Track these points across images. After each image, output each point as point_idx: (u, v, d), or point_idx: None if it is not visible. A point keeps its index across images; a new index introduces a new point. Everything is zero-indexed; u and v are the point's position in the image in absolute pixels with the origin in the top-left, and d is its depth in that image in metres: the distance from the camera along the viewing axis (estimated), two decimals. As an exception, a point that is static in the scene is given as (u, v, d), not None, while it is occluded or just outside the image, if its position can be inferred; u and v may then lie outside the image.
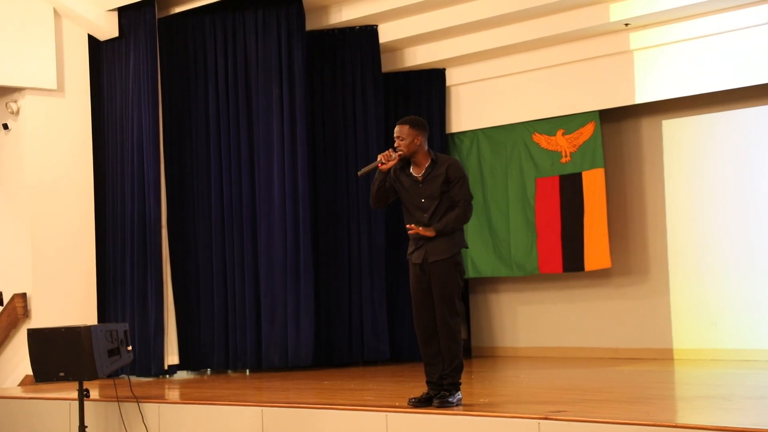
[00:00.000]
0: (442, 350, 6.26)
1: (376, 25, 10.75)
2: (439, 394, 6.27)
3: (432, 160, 6.34)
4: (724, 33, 9.51)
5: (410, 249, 6.41)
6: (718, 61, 9.58)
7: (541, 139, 10.85)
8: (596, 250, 10.31)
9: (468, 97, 11.31)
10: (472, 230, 11.30)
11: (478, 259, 11.26)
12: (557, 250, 10.67)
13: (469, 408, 6.35)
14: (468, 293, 11.94)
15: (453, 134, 11.45)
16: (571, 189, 10.55)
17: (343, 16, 10.56)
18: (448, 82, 11.35)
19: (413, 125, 6.33)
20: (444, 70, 11.31)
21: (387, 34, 10.77)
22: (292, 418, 6.85)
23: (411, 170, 6.36)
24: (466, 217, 6.33)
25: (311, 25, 10.56)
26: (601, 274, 10.44)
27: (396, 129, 6.36)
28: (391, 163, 6.31)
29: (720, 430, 5.06)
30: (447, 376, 6.29)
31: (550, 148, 10.75)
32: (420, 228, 6.27)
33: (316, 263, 10.27)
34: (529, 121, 10.90)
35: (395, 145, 6.32)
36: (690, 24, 9.65)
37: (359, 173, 6.65)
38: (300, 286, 10.04)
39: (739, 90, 9.64)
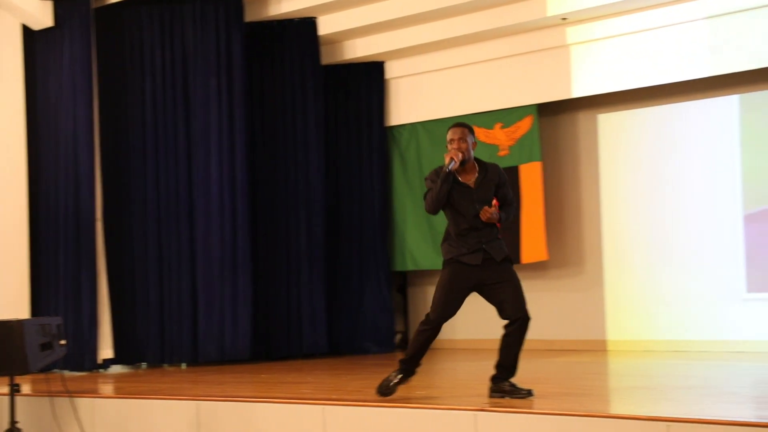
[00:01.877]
0: (515, 343, 6.19)
1: (315, 18, 10.71)
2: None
3: (481, 166, 6.26)
4: (659, 28, 9.65)
5: (459, 252, 6.23)
6: (653, 56, 9.71)
7: (479, 133, 10.88)
8: (533, 243, 10.40)
9: (407, 90, 11.33)
10: (410, 224, 11.34)
11: (417, 252, 11.29)
12: (494, 243, 10.71)
13: (407, 400, 6.36)
14: (407, 286, 11.98)
15: (392, 127, 11.46)
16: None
17: (283, 8, 10.52)
18: (387, 75, 11.36)
19: (471, 131, 6.24)
20: (383, 63, 11.32)
21: (326, 26, 10.74)
22: (229, 412, 6.81)
23: (460, 179, 6.21)
24: (513, 213, 6.38)
25: (250, 16, 10.49)
26: (538, 267, 10.52)
27: (457, 131, 6.19)
28: (456, 166, 6.15)
29: (651, 419, 5.13)
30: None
31: (488, 141, 10.80)
32: (490, 211, 6.12)
33: (254, 256, 10.22)
34: (468, 115, 10.93)
35: (454, 147, 6.15)
36: (625, 19, 9.78)
37: (447, 170, 6.18)
38: (237, 279, 9.98)
39: (673, 85, 9.78)
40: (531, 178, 10.43)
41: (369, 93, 11.39)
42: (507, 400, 6.03)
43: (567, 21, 10.01)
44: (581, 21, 9.99)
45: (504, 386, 6.17)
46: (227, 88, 10.12)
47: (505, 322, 6.23)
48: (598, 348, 10.20)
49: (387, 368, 9.25)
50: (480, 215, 6.12)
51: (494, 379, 6.24)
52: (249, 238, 10.08)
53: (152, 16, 10.32)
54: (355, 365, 9.61)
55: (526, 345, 6.20)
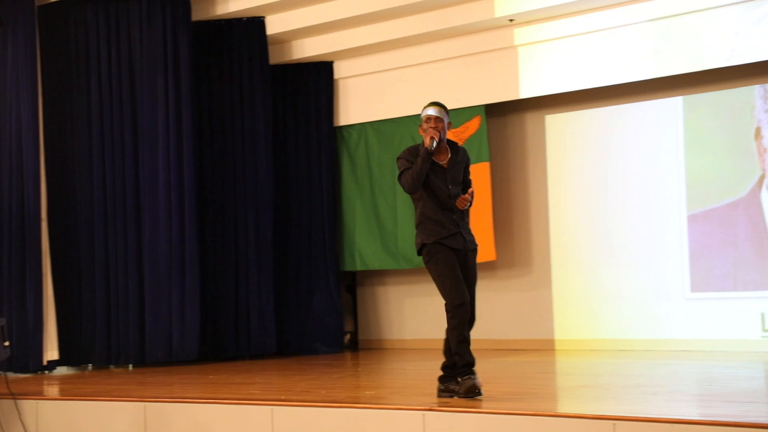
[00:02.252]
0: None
1: (263, 17, 10.67)
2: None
3: (453, 147, 6.21)
4: (604, 30, 9.75)
5: (441, 234, 6.08)
6: (598, 58, 9.82)
7: (428, 133, 10.91)
8: (481, 243, 10.26)
9: (356, 91, 11.33)
10: (359, 223, 11.35)
11: (365, 252, 11.30)
12: (443, 243, 10.75)
13: (355, 400, 6.36)
14: (355, 286, 11.98)
15: (341, 127, 11.46)
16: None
17: (230, 7, 10.46)
18: (336, 75, 11.35)
19: (446, 111, 6.17)
20: (332, 63, 11.31)
21: (274, 26, 10.70)
22: (176, 413, 6.75)
23: (434, 159, 6.12)
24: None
25: (197, 15, 10.43)
26: (486, 267, 10.57)
27: (434, 110, 6.09)
28: (436, 144, 6.04)
29: (598, 418, 5.18)
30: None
31: (436, 141, 10.81)
32: (467, 198, 6.08)
33: (202, 256, 10.15)
34: (417, 115, 10.92)
35: (431, 126, 6.05)
36: (571, 21, 9.87)
37: (429, 148, 6.03)
38: (185, 280, 9.92)
39: (619, 86, 9.90)
40: (479, 178, 10.46)
41: (318, 93, 11.37)
42: (456, 400, 6.04)
43: (514, 22, 10.08)
44: (529, 22, 10.06)
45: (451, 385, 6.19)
46: (174, 88, 10.04)
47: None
48: (546, 347, 10.28)
49: (336, 368, 9.31)
50: (458, 204, 6.09)
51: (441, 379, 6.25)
52: (197, 239, 10.02)
53: (98, 14, 10.21)
54: (304, 365, 9.59)
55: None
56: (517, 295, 10.56)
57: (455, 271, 6.06)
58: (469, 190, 6.14)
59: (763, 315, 9.16)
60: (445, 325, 6.15)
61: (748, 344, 9.17)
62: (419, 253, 6.23)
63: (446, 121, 6.15)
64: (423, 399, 6.19)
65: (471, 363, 6.04)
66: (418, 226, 6.21)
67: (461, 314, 6.03)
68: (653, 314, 9.73)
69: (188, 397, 7.00)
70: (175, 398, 6.98)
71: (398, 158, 6.23)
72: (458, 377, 6.07)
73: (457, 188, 6.16)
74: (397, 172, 6.24)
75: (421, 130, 6.15)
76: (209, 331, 10.25)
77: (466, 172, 6.29)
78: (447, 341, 6.21)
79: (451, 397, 6.12)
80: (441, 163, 6.14)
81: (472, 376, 6.00)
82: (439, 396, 6.20)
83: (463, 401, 5.98)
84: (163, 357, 9.88)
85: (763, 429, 4.66)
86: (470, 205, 6.19)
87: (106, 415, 7.03)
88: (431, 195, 6.13)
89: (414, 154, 6.13)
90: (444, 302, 6.11)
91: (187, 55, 10.09)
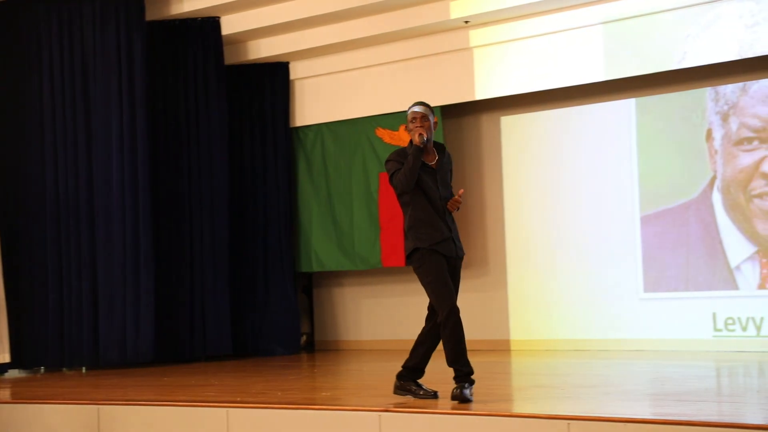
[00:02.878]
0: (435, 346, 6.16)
1: (218, 17, 10.62)
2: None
3: (439, 149, 6.16)
4: (558, 33, 9.83)
5: (435, 238, 6.02)
6: (552, 59, 9.89)
7: (384, 134, 10.95)
8: (437, 244, 10.46)
9: (312, 91, 11.32)
10: (316, 224, 11.33)
11: (322, 253, 11.28)
12: (400, 243, 10.77)
13: (312, 401, 6.35)
14: (312, 287, 11.96)
15: (297, 128, 11.44)
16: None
17: (185, 7, 10.40)
18: (292, 76, 11.33)
19: (432, 111, 6.13)
20: (288, 63, 11.29)
21: (229, 26, 10.66)
22: (130, 416, 6.70)
23: (422, 159, 6.06)
24: None
25: (152, 15, 10.35)
26: (442, 268, 10.60)
27: (420, 108, 6.06)
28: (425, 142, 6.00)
29: (553, 418, 5.22)
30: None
31: (393, 142, 10.85)
32: (459, 201, 6.07)
33: (157, 257, 10.07)
34: (373, 116, 10.98)
35: (417, 125, 6.01)
36: (526, 23, 9.93)
37: (422, 144, 6.00)
38: (140, 281, 9.84)
39: (573, 88, 9.98)
40: (435, 179, 10.50)
41: (273, 93, 11.34)
42: (412, 400, 6.06)
43: (470, 24, 10.13)
44: (484, 24, 10.11)
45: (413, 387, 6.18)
46: (128, 88, 9.96)
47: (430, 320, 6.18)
48: (501, 348, 10.33)
49: (292, 370, 9.29)
50: (449, 206, 6.06)
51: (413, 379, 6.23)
52: (151, 240, 9.94)
53: (50, 14, 10.10)
54: (260, 367, 9.56)
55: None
56: (473, 295, 10.59)
57: (447, 279, 6.00)
58: (460, 192, 6.11)
59: (714, 315, 9.28)
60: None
61: (699, 344, 9.28)
62: (409, 257, 6.12)
63: (432, 120, 6.10)
64: (379, 400, 6.20)
65: (470, 372, 5.98)
66: (409, 230, 6.10)
67: (454, 322, 5.97)
68: (607, 314, 9.82)
69: (142, 400, 6.95)
70: (129, 401, 6.93)
71: (387, 161, 6.13)
72: (456, 381, 5.97)
73: (447, 190, 6.12)
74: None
75: (405, 129, 6.14)
76: (164, 333, 10.17)
77: (450, 175, 6.27)
78: (418, 341, 6.17)
79: (406, 395, 6.12)
80: (430, 164, 6.08)
81: (467, 385, 5.93)
82: (395, 392, 6.20)
83: (419, 402, 6.00)
84: (117, 359, 9.80)
85: (714, 427, 4.72)
86: (458, 210, 6.17)
87: (58, 419, 6.96)
88: (424, 197, 6.04)
89: (403, 156, 6.06)
90: (426, 304, 6.12)
91: (141, 55, 10.01)
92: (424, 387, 6.19)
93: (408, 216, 6.12)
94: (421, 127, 6.02)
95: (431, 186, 6.04)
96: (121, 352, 9.79)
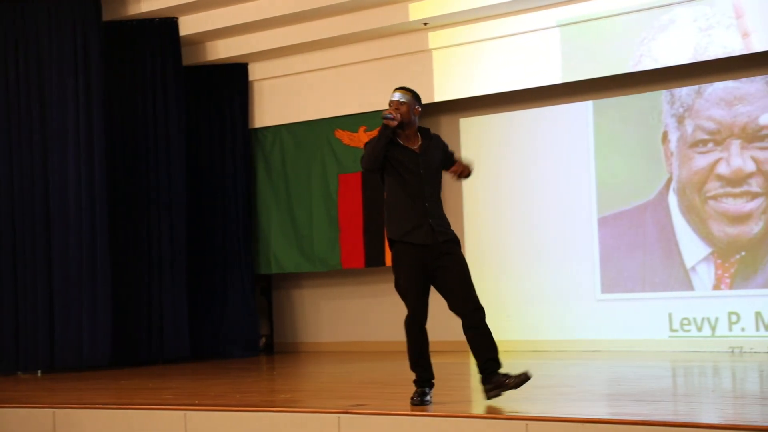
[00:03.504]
0: (481, 339, 5.83)
1: (176, 18, 10.57)
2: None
3: (425, 135, 6.04)
4: (516, 35, 9.88)
5: (404, 228, 5.86)
6: (511, 62, 9.94)
7: (343, 136, 10.95)
8: (395, 245, 10.48)
9: (271, 93, 11.29)
10: (275, 226, 11.31)
11: (281, 254, 11.26)
12: (359, 245, 10.80)
13: (271, 404, 6.34)
14: (271, 289, 11.93)
15: (256, 129, 11.40)
16: (372, 185, 10.70)
17: (143, 7, 10.33)
18: (250, 77, 11.30)
19: (415, 96, 6.02)
20: (246, 64, 11.25)
21: (187, 26, 10.61)
22: (87, 420, 6.64)
23: (402, 143, 5.94)
24: None
25: (108, 15, 10.27)
26: (401, 269, 10.61)
27: (398, 94, 5.97)
28: (395, 123, 5.86)
29: (511, 418, 5.25)
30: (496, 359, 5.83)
31: (352, 144, 10.85)
32: (462, 164, 5.97)
33: (114, 260, 9.98)
34: (332, 118, 10.98)
35: (394, 108, 5.90)
36: (485, 25, 9.98)
37: (390, 120, 5.91)
38: (96, 283, 9.75)
39: (532, 90, 10.04)
40: (394, 181, 10.51)
41: (232, 95, 11.30)
42: (371, 402, 6.06)
43: (429, 26, 10.15)
44: (443, 26, 10.15)
45: (498, 379, 5.79)
46: (85, 89, 9.87)
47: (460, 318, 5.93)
48: (460, 349, 10.27)
49: (250, 372, 9.25)
50: (453, 171, 5.98)
51: (484, 380, 5.85)
52: (108, 242, 9.86)
53: (3, 14, 9.97)
54: (219, 370, 9.52)
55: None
56: (433, 296, 10.60)
57: (414, 281, 5.86)
58: (465, 163, 5.98)
59: (670, 315, 9.37)
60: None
61: (656, 344, 9.38)
62: (391, 246, 5.98)
63: (413, 105, 5.98)
64: (338, 402, 6.20)
65: (416, 380, 5.92)
66: (386, 215, 6.01)
67: (411, 329, 5.92)
68: (564, 315, 9.89)
69: (99, 403, 6.89)
70: (86, 404, 6.87)
71: (365, 144, 5.99)
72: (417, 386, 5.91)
73: (432, 172, 5.95)
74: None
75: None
76: (121, 336, 10.08)
77: (447, 153, 6.10)
78: (468, 342, 5.95)
79: (501, 392, 5.79)
80: (412, 148, 5.95)
81: (415, 394, 5.85)
82: (489, 397, 5.81)
83: (379, 403, 6.01)
84: (73, 362, 9.71)
85: (669, 427, 4.77)
86: (468, 175, 6.06)
87: (13, 423, 6.88)
88: (397, 180, 5.90)
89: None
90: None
91: (98, 55, 9.93)
92: (510, 374, 5.84)
93: (385, 200, 6.04)
94: (395, 109, 5.91)
95: (410, 169, 5.89)
96: (77, 355, 9.70)
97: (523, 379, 5.76)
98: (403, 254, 5.86)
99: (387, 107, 5.97)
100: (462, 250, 6.04)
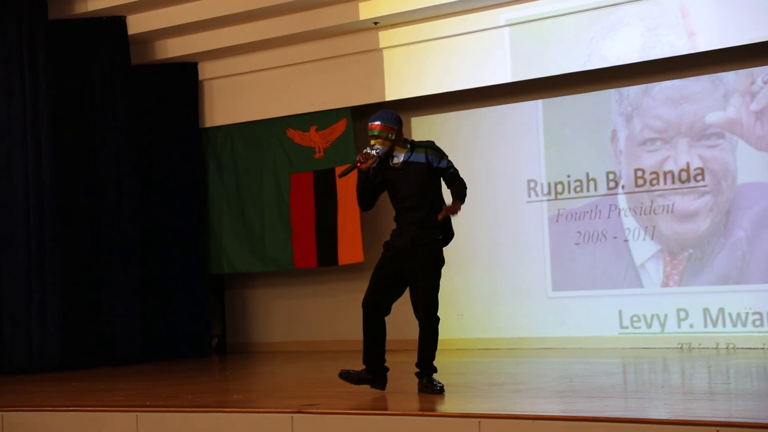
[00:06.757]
0: (422, 343, 6.49)
1: (124, 17, 10.47)
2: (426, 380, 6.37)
3: (408, 148, 6.28)
4: (467, 34, 9.94)
5: (393, 232, 6.41)
6: (461, 61, 9.99)
7: (295, 135, 10.93)
8: (349, 245, 10.50)
9: (221, 92, 11.24)
10: (226, 226, 11.26)
11: (232, 254, 11.21)
12: (311, 245, 10.78)
13: (223, 404, 6.31)
14: (223, 289, 11.87)
15: (207, 129, 11.34)
16: (324, 184, 10.70)
17: (90, 6, 10.24)
18: (200, 76, 11.23)
19: (385, 121, 6.20)
20: (196, 63, 11.19)
21: (136, 25, 10.52)
22: (37, 423, 6.56)
23: (391, 162, 6.27)
24: (464, 184, 6.44)
25: (55, 14, 10.15)
26: (354, 269, 10.63)
27: (369, 126, 6.22)
28: (370, 162, 6.15)
29: (463, 416, 5.27)
30: (429, 359, 6.43)
31: (303, 143, 10.84)
32: (449, 208, 6.29)
33: (63, 261, 9.87)
34: (283, 117, 10.96)
35: (371, 143, 6.18)
36: (436, 24, 10.02)
37: (339, 176, 6.51)
38: (45, 285, 9.64)
39: (483, 89, 10.09)
40: (346, 180, 10.51)
41: (182, 94, 11.23)
42: (325, 401, 6.06)
43: (379, 25, 10.17)
44: (393, 25, 10.17)
45: (421, 382, 6.38)
46: (31, 88, 9.75)
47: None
48: (413, 347, 10.35)
49: (202, 373, 9.21)
50: (439, 218, 6.32)
51: (417, 375, 6.44)
52: (57, 243, 9.75)
53: (-54, 12, 9.84)
54: (171, 371, 9.45)
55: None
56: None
57: (377, 275, 6.30)
58: (451, 208, 6.33)
59: (620, 312, 9.48)
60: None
61: (606, 341, 9.48)
62: None
63: (387, 132, 6.17)
64: (292, 402, 6.19)
65: (364, 370, 6.35)
66: None
67: (364, 313, 6.32)
68: (516, 313, 9.96)
69: (49, 406, 6.81)
70: (35, 407, 6.78)
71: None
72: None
73: (412, 185, 6.25)
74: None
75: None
76: (72, 338, 9.97)
77: (441, 170, 6.38)
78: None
79: (422, 392, 6.31)
80: (396, 164, 6.27)
81: (356, 372, 6.31)
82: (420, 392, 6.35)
83: (331, 402, 6.01)
84: (22, 365, 9.59)
85: (620, 423, 4.82)
86: (461, 199, 6.42)
87: (-39, 427, 6.78)
88: (390, 193, 6.37)
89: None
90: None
91: (44, 54, 9.81)
92: (433, 381, 6.40)
93: None
94: (365, 152, 6.15)
95: (393, 184, 6.28)
96: (26, 357, 9.59)
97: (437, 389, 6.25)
98: (384, 252, 6.36)
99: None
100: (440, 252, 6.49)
